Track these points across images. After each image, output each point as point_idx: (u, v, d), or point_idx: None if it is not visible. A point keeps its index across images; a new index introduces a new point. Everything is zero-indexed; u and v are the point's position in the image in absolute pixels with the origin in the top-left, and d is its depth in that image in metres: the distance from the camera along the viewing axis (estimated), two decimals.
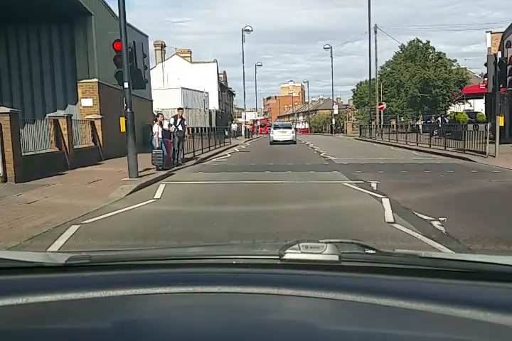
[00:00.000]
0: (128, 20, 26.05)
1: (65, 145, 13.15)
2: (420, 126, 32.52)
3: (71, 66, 17.32)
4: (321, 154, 19.95)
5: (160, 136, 13.79)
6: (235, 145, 28.94)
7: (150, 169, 13.24)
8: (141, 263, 1.26)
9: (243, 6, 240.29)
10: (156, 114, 31.37)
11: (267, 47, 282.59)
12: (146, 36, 26.76)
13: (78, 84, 16.81)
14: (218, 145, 25.54)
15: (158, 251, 1.68)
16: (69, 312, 1.01)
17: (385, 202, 7.65)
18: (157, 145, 13.50)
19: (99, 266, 1.23)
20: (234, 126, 38.25)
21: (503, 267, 1.15)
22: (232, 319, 0.96)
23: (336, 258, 1.12)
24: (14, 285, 1.13)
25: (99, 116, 16.37)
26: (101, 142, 16.36)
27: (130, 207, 7.30)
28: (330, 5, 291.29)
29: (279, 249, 1.16)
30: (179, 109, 16.03)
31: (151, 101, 27.13)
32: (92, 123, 16.18)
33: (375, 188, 9.25)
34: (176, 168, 13.66)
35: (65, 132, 13.18)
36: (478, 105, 55.57)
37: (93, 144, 16.16)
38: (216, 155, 20.16)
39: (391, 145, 26.44)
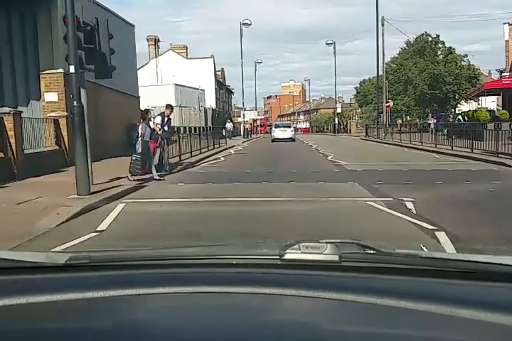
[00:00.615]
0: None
1: (11, 149, 10.52)
2: (432, 125, 29.96)
3: (34, 55, 14.67)
4: (328, 157, 17.32)
5: (146, 137, 11.08)
6: (231, 147, 26.32)
7: (121, 178, 10.63)
8: (141, 263, 1.25)
9: (243, 5, 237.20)
10: (144, 109, 28.82)
11: (266, 47, 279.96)
12: (132, 25, 24.17)
13: (41, 76, 14.16)
14: (212, 147, 22.91)
15: (158, 251, 1.51)
16: (69, 312, 1.00)
17: (442, 237, 5.04)
18: (140, 150, 10.81)
19: (100, 266, 1.21)
20: (229, 126, 35.15)
21: (504, 267, 1.12)
22: (232, 319, 0.95)
23: (336, 258, 1.11)
24: (14, 285, 1.12)
25: (65, 114, 13.71)
26: (66, 144, 13.72)
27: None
28: (329, 4, 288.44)
29: (279, 249, 1.15)
30: (168, 106, 13.15)
31: (138, 97, 24.49)
32: (56, 121, 13.54)
33: (413, 211, 6.63)
34: (156, 176, 10.96)
35: (11, 133, 10.54)
36: (487, 102, 52.91)
37: (57, 147, 13.53)
38: (207, 159, 17.52)
39: (404, 146, 23.81)
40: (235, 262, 1.20)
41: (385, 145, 26.20)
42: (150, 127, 11.48)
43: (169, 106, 13.09)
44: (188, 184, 10.22)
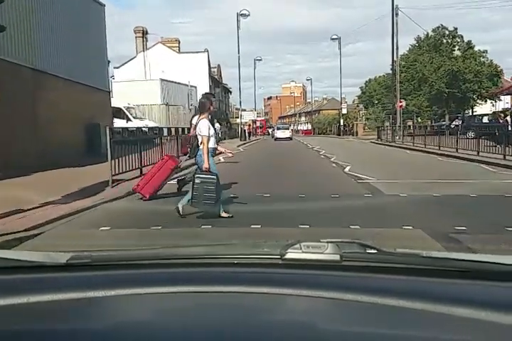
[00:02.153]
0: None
1: None
2: (460, 127, 25.67)
3: None
4: (346, 169, 13.00)
5: (213, 144, 6.55)
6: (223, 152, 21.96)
7: (24, 211, 6.40)
8: (142, 262, 1.22)
9: (245, 6, 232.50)
10: (114, 107, 24.05)
11: (267, 48, 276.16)
12: (101, 5, 19.89)
13: None
14: None
15: (159, 250, 1.46)
16: (70, 312, 0.99)
17: None
18: (206, 164, 6.34)
19: (101, 265, 1.19)
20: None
21: (505, 266, 1.11)
22: (233, 318, 0.94)
23: (337, 257, 1.11)
24: (15, 284, 1.11)
25: None
26: None
27: None
28: (330, 6, 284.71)
29: (280, 249, 1.14)
30: (207, 95, 7.71)
31: (108, 92, 20.18)
32: None
33: None
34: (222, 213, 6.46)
35: None
36: (500, 103, 48.71)
37: None
38: (184, 171, 13.13)
39: (431, 152, 19.50)
40: (236, 261, 1.18)
41: (407, 151, 21.87)
42: (214, 125, 6.79)
43: (210, 97, 7.42)
44: (115, 229, 5.83)
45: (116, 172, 9.88)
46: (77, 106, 15.66)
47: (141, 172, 10.95)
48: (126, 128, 11.93)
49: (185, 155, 8.36)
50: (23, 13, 12.50)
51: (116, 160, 10.14)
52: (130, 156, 11.06)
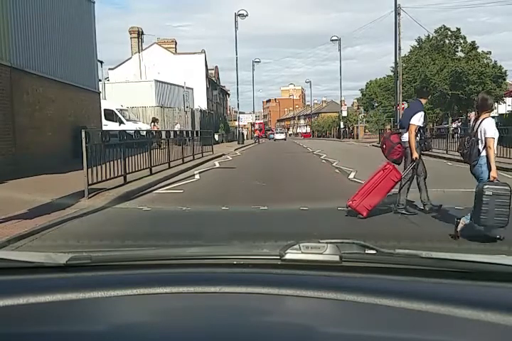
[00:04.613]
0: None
1: None
2: (459, 130, 24.68)
3: None
4: (350, 176, 11.98)
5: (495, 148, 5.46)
6: (219, 156, 20.94)
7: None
8: (142, 263, 1.23)
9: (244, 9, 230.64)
10: (106, 110, 22.88)
11: (266, 52, 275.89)
12: (91, 1, 18.86)
13: None
14: (191, 157, 17.53)
15: (159, 251, 1.49)
16: (70, 313, 0.99)
17: None
18: (494, 172, 5.18)
19: (100, 266, 1.19)
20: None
21: (504, 267, 1.11)
22: (232, 319, 0.93)
23: (336, 258, 1.10)
24: (15, 285, 1.10)
25: None
26: None
27: None
28: (330, 10, 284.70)
29: (279, 249, 1.13)
30: (424, 91, 7.63)
31: (98, 93, 19.14)
32: None
33: None
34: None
35: None
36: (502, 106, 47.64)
37: None
38: (173, 179, 12.05)
39: (437, 156, 18.49)
40: (235, 262, 1.17)
41: None
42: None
43: (425, 93, 7.50)
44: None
45: (98, 180, 8.84)
46: (62, 107, 14.62)
47: (125, 179, 9.91)
48: (108, 131, 10.88)
49: (397, 163, 6.90)
50: None
51: (99, 167, 9.11)
52: (115, 162, 10.03)
